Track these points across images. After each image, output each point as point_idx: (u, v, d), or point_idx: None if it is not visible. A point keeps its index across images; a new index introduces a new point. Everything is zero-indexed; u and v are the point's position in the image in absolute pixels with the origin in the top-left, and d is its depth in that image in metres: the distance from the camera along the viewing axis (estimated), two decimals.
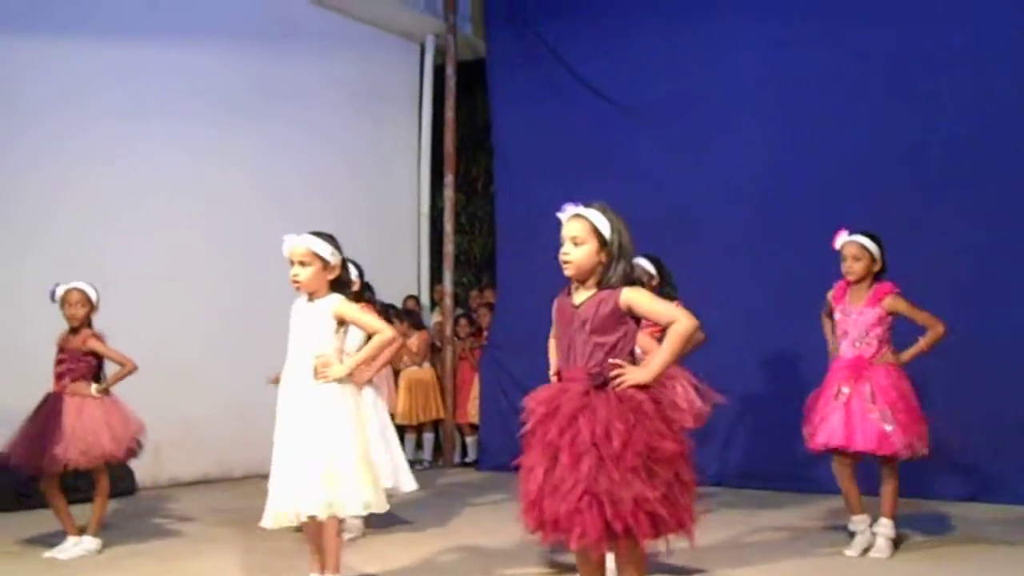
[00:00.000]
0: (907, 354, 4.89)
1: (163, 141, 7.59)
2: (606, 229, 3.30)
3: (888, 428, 4.70)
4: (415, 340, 8.78)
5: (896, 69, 6.83)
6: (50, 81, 7.03)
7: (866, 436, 4.71)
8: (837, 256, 5.00)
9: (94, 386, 5.22)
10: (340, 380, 3.98)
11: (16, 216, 6.84)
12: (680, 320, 3.27)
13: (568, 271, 3.32)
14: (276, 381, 4.16)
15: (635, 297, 3.27)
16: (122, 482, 6.89)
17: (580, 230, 3.31)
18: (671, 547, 3.24)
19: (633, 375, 3.20)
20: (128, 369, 5.26)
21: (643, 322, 3.41)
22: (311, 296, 4.03)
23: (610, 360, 3.23)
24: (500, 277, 8.94)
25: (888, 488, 4.86)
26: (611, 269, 3.30)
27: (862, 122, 6.92)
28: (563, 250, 3.33)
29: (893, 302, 4.83)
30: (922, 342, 4.87)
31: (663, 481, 3.10)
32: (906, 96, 6.78)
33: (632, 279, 3.33)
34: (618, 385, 3.19)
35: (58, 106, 7.07)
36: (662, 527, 3.11)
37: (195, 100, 7.84)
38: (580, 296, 3.34)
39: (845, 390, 4.81)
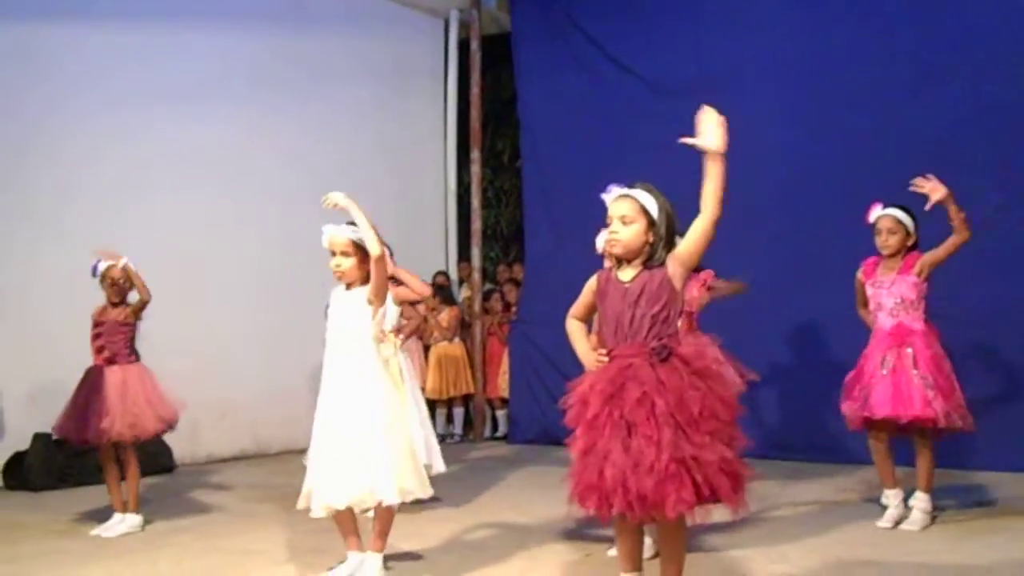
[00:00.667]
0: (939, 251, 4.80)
1: (191, 121, 7.65)
2: (654, 209, 3.34)
3: (931, 394, 4.71)
4: (446, 315, 8.84)
5: (920, 46, 6.79)
6: (80, 61, 7.12)
7: (912, 403, 4.71)
8: (865, 229, 5.00)
9: (123, 259, 5.27)
10: (385, 361, 4.04)
11: (45, 193, 6.93)
12: (706, 211, 3.32)
13: (616, 250, 3.36)
14: None
15: (676, 255, 3.32)
16: (161, 459, 7.04)
17: (629, 209, 3.34)
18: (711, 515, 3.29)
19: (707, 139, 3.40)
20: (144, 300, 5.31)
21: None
22: (349, 285, 4.09)
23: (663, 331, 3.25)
24: (528, 251, 8.97)
25: (924, 461, 4.88)
26: (657, 248, 3.34)
27: (887, 98, 6.88)
28: (611, 229, 3.35)
29: (920, 262, 4.82)
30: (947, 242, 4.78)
31: (735, 443, 3.21)
32: (929, 73, 6.74)
33: None
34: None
35: (88, 85, 7.15)
36: (739, 485, 3.20)
37: (222, 79, 7.89)
38: (627, 273, 3.37)
39: (889, 359, 4.81)
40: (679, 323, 3.53)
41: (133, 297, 5.37)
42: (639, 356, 3.26)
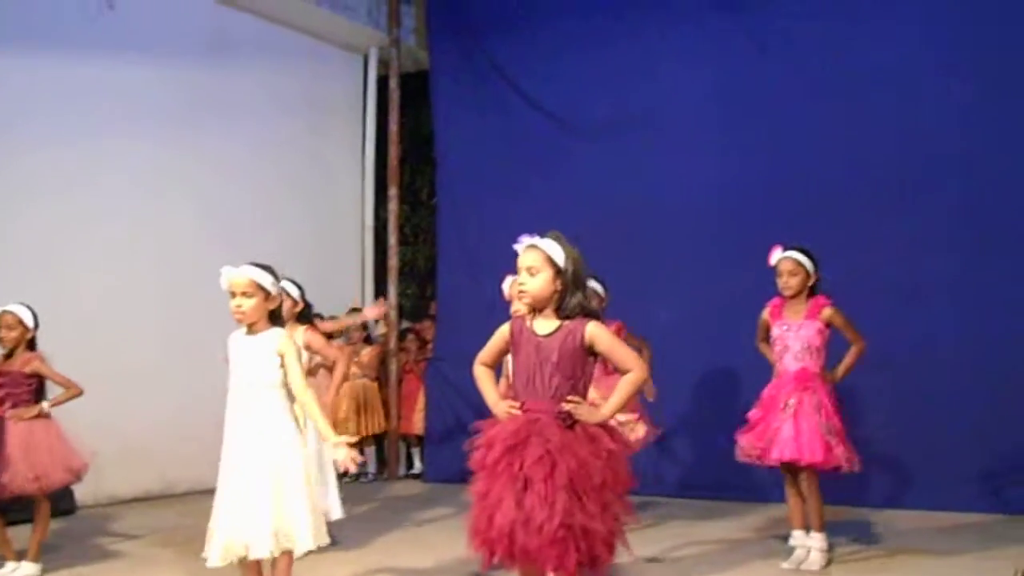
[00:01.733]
0: (840, 371, 5.05)
1: (100, 164, 7.48)
2: (560, 258, 3.40)
3: (832, 440, 4.85)
4: (367, 353, 8.81)
5: (835, 83, 6.99)
6: None
7: (813, 449, 4.84)
8: (770, 270, 5.14)
9: (45, 403, 5.17)
10: (295, 417, 4.01)
11: None
12: (635, 370, 3.41)
13: (524, 300, 3.43)
14: None
15: (599, 335, 3.39)
16: (62, 502, 6.80)
17: (535, 260, 3.40)
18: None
19: (586, 414, 3.33)
20: (73, 393, 5.24)
21: None
22: (251, 327, 4.03)
23: (568, 397, 3.34)
24: (441, 290, 8.97)
25: (813, 501, 4.99)
26: (566, 297, 3.40)
27: (803, 135, 7.07)
28: (519, 280, 3.43)
29: (831, 314, 4.99)
30: (848, 358, 5.05)
31: (622, 512, 3.32)
32: (847, 109, 6.93)
33: (589, 308, 3.43)
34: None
35: None
36: (613, 555, 3.33)
37: (131, 119, 7.71)
38: (543, 326, 3.42)
39: (792, 402, 4.93)
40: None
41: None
42: (547, 414, 3.31)
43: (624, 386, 3.40)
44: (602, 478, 3.23)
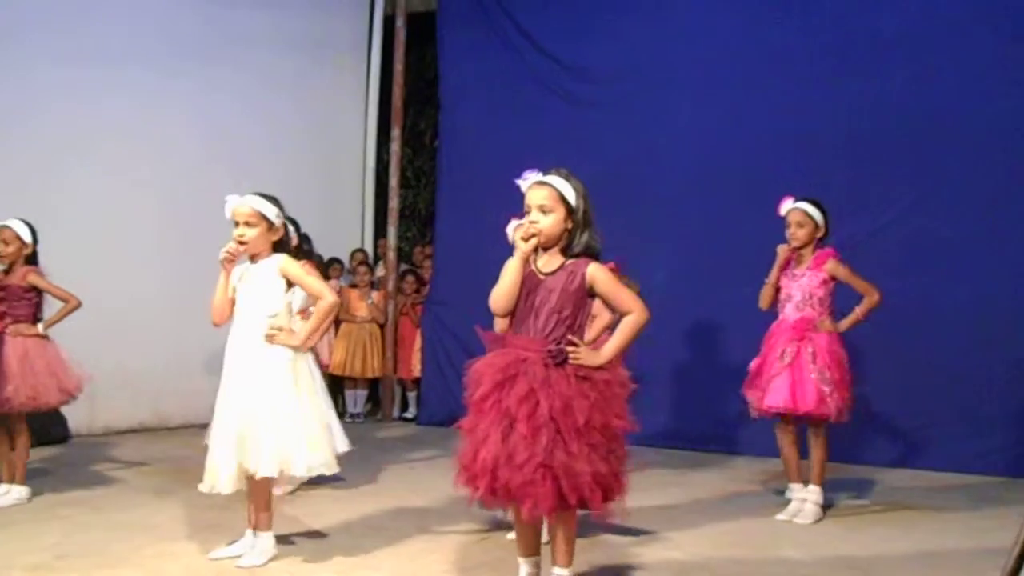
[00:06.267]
0: (845, 323, 5.02)
1: (105, 86, 7.38)
2: (572, 196, 3.34)
3: (826, 389, 4.84)
4: (379, 295, 8.85)
5: (839, 42, 6.89)
6: None
7: (806, 398, 4.85)
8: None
9: (39, 324, 5.15)
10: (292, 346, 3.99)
11: None
12: (636, 312, 3.35)
13: (539, 241, 3.33)
14: None
15: (599, 276, 3.34)
16: (55, 429, 6.82)
17: (547, 198, 3.33)
18: (611, 509, 3.36)
19: (587, 357, 3.28)
20: (72, 305, 5.22)
21: None
22: (254, 257, 4.02)
23: (568, 337, 3.29)
24: (438, 233, 8.89)
25: (817, 454, 4.99)
26: (576, 236, 3.34)
27: (808, 91, 6.96)
28: (530, 218, 3.34)
29: (834, 266, 4.97)
30: (858, 310, 5.01)
31: (616, 456, 3.27)
32: (852, 70, 6.84)
33: (594, 248, 3.37)
34: (573, 362, 3.26)
35: None
36: (610, 497, 3.28)
37: (138, 44, 7.62)
38: (546, 264, 3.37)
39: (789, 351, 4.92)
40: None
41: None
42: (536, 353, 3.27)
43: (624, 328, 3.36)
44: (587, 418, 3.18)
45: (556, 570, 3.42)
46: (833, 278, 4.99)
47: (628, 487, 3.35)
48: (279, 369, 3.96)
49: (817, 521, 4.94)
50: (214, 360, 4.17)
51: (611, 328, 4.95)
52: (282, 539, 4.23)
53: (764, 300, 5.17)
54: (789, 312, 5.04)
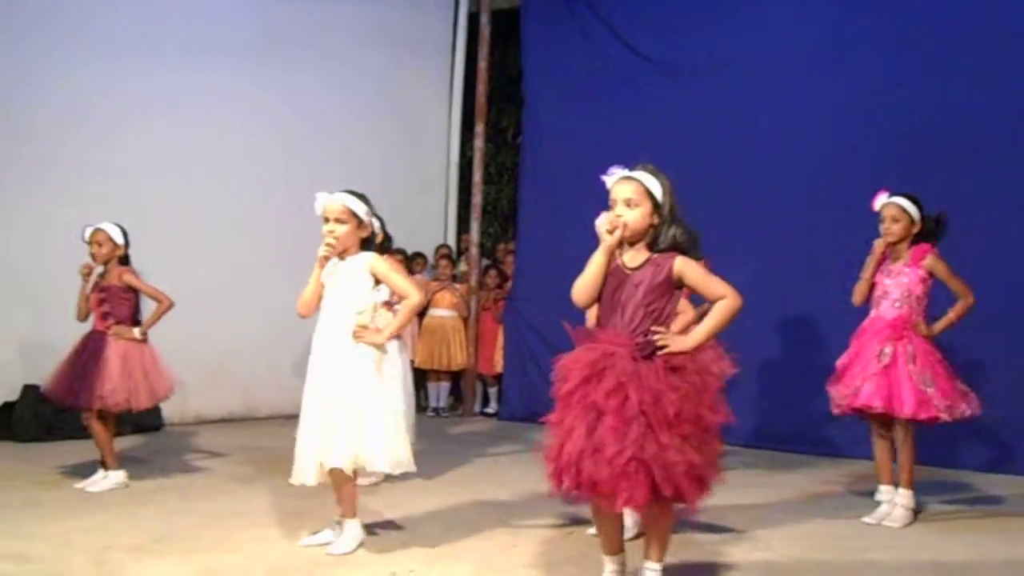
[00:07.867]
0: (938, 326, 4.87)
1: (194, 69, 7.59)
2: (658, 191, 3.33)
3: (928, 390, 4.71)
4: (462, 287, 8.95)
5: (939, 40, 6.69)
6: (61, 20, 7.01)
7: (904, 400, 4.70)
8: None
9: (136, 330, 5.33)
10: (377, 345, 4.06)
11: (29, 147, 6.87)
12: (729, 297, 3.33)
13: (624, 232, 3.32)
14: None
15: (688, 269, 3.32)
16: (148, 417, 7.03)
17: (633, 192, 3.32)
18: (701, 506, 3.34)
19: (676, 343, 3.26)
20: (165, 306, 5.38)
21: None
22: (342, 254, 4.08)
23: (653, 327, 3.28)
24: (521, 229, 8.93)
25: (905, 457, 4.86)
26: (662, 232, 3.33)
27: (898, 89, 6.80)
28: (616, 212, 3.34)
29: (933, 262, 4.83)
30: (951, 313, 4.87)
31: (709, 448, 3.24)
32: (948, 69, 6.63)
33: (681, 244, 3.35)
34: (662, 351, 3.24)
35: (79, 35, 7.07)
36: (706, 489, 3.26)
37: (231, 29, 7.82)
38: (632, 258, 3.36)
39: (887, 350, 4.80)
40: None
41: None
42: (624, 347, 3.25)
43: (717, 313, 3.32)
44: (678, 410, 3.14)
45: (648, 564, 3.41)
46: (931, 275, 4.84)
47: (720, 481, 3.31)
48: (364, 365, 4.03)
49: (907, 525, 4.82)
50: (301, 354, 4.25)
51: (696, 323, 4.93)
52: (366, 529, 4.28)
53: (859, 296, 5.03)
54: (885, 310, 4.91)
